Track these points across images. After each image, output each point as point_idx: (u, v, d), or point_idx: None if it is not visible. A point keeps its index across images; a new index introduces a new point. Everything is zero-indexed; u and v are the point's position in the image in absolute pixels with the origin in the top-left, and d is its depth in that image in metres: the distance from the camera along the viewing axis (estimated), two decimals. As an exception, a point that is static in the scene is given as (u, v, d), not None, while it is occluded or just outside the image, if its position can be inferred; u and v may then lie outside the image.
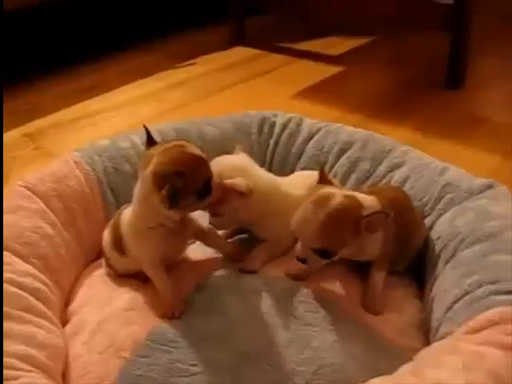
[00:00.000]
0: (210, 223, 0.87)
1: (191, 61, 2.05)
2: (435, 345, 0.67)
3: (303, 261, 0.74)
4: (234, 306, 0.77)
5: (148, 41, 2.17)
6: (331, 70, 1.92)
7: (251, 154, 0.92)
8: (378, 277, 0.80)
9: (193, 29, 2.31)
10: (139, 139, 1.06)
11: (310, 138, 1.08)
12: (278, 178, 0.93)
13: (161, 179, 0.70)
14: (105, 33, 2.09)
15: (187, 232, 0.83)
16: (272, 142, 1.11)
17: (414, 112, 1.63)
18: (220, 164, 0.83)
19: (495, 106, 1.63)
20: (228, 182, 0.80)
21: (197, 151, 0.75)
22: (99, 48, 2.04)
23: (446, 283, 0.75)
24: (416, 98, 1.69)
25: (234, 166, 0.83)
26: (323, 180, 0.78)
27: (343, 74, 1.91)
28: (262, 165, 0.99)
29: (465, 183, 0.89)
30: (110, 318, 0.77)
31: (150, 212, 0.75)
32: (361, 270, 0.83)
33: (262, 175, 0.88)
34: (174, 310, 0.77)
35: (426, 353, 0.65)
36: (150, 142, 0.78)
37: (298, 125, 1.11)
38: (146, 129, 0.80)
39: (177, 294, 0.80)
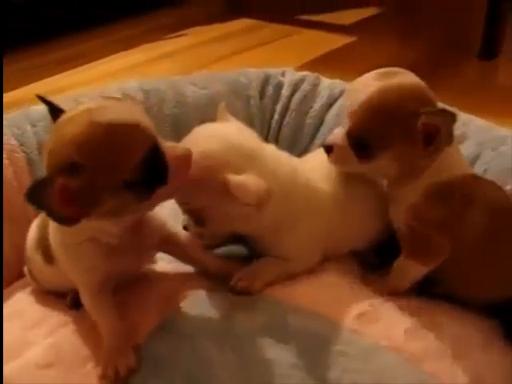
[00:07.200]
0: (184, 228, 0.57)
1: (182, 31, 1.86)
2: None
3: (328, 149, 0.58)
4: (222, 364, 0.45)
5: (137, 12, 2.02)
6: (341, 40, 1.77)
7: (250, 126, 0.61)
8: (404, 265, 0.57)
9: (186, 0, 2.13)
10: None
11: (332, 102, 0.83)
12: (297, 162, 0.61)
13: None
14: (92, 3, 1.93)
15: (144, 244, 0.53)
16: (279, 108, 0.85)
17: (446, 85, 1.43)
18: (204, 143, 0.52)
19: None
20: (234, 181, 0.49)
21: (114, 116, 0.44)
22: (85, 19, 1.88)
23: None
24: (444, 69, 1.52)
25: (234, 149, 0.52)
26: None
27: (355, 43, 1.76)
28: (263, 141, 0.65)
29: None
30: (14, 380, 0.46)
31: None
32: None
33: (279, 162, 0.56)
34: (119, 365, 0.47)
35: None
36: (54, 112, 0.48)
37: (315, 85, 0.86)
38: (43, 99, 0.50)
39: (127, 337, 0.50)
